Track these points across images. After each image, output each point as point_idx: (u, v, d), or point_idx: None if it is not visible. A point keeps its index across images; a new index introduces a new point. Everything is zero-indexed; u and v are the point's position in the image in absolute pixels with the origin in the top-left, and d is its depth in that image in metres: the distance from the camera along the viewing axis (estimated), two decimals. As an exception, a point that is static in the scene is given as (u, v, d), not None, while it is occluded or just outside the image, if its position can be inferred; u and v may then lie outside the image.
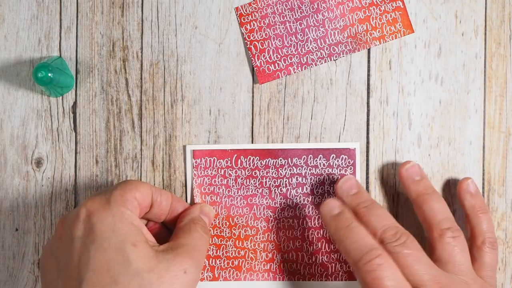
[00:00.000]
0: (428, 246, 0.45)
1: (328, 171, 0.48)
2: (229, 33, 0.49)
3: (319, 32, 0.49)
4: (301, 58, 0.49)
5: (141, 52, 0.49)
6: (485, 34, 0.49)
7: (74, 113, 0.49)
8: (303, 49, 0.49)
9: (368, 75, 0.49)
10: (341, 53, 0.49)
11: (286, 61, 0.49)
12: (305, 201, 0.48)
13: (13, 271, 0.49)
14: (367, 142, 0.49)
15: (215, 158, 0.48)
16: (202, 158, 0.49)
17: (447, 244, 0.44)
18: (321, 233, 0.48)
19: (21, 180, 0.49)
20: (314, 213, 0.48)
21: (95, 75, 0.49)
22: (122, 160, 0.49)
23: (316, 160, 0.48)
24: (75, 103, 0.49)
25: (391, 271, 0.41)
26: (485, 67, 0.49)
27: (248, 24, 0.49)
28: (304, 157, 0.48)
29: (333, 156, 0.48)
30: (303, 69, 0.49)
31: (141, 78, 0.49)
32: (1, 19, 0.49)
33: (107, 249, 0.39)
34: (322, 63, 0.49)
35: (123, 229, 0.40)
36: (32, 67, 0.49)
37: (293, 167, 0.49)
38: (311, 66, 0.49)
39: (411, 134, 0.49)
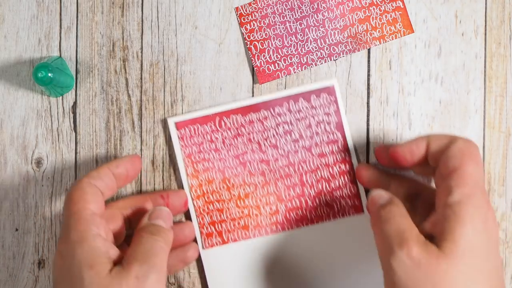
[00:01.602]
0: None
1: (312, 112, 0.48)
2: (229, 33, 0.49)
3: (319, 32, 0.49)
4: (301, 58, 0.49)
5: (141, 52, 0.49)
6: (485, 34, 0.49)
7: (74, 113, 0.49)
8: (303, 49, 0.49)
9: (368, 75, 0.49)
10: (341, 53, 0.49)
11: (286, 61, 0.49)
12: (296, 147, 0.49)
13: (13, 271, 0.49)
14: (367, 143, 0.49)
15: (198, 125, 0.48)
16: (186, 128, 0.48)
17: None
18: (319, 174, 0.48)
19: (21, 180, 0.49)
20: (308, 156, 0.48)
21: (95, 75, 0.49)
22: (122, 160, 0.49)
23: (298, 105, 0.48)
24: (75, 103, 0.49)
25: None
26: (485, 67, 0.49)
27: (248, 24, 0.49)
28: (286, 104, 0.48)
29: (314, 97, 0.48)
30: (303, 69, 0.49)
31: (141, 78, 0.49)
32: (1, 19, 0.49)
33: (65, 276, 0.40)
34: (322, 63, 0.49)
35: (81, 254, 0.40)
36: (32, 67, 0.49)
37: (277, 117, 0.49)
38: (311, 66, 0.49)
39: (411, 134, 0.49)
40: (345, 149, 0.48)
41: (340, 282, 0.48)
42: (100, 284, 0.40)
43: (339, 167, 0.48)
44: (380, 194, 0.43)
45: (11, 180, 0.49)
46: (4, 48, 0.49)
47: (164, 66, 0.49)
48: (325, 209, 0.48)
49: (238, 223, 0.48)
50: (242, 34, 0.49)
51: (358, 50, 0.49)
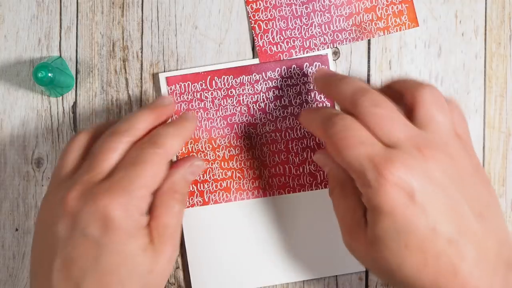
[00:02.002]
0: (406, 109, 0.42)
1: (303, 80, 0.49)
2: (229, 33, 0.49)
3: (324, 18, 0.49)
4: (304, 42, 0.49)
5: (141, 52, 0.49)
6: (485, 34, 0.49)
7: (74, 113, 0.49)
8: (307, 33, 0.49)
9: (368, 75, 0.49)
10: (344, 40, 0.49)
11: (289, 43, 0.49)
12: (285, 113, 0.49)
13: (13, 271, 0.49)
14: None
15: (189, 82, 0.48)
16: (176, 84, 0.48)
17: (423, 103, 0.40)
18: (305, 143, 0.48)
19: (21, 180, 0.49)
20: (295, 124, 0.48)
21: (95, 75, 0.49)
22: (122, 160, 0.49)
23: (290, 71, 0.49)
24: (75, 103, 0.49)
25: (358, 131, 0.39)
26: (485, 67, 0.49)
27: (254, 4, 0.49)
28: (278, 70, 0.48)
29: (307, 65, 0.48)
30: (305, 53, 0.49)
31: (141, 78, 0.49)
32: (1, 19, 0.49)
33: (120, 253, 0.39)
34: (324, 49, 0.49)
35: (137, 235, 0.39)
36: (32, 67, 0.49)
37: (268, 81, 0.49)
38: (313, 51, 0.49)
39: (411, 134, 0.49)
40: None
41: (317, 251, 0.48)
42: (149, 264, 0.39)
43: None
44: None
45: (11, 180, 0.49)
46: (4, 48, 0.49)
47: (164, 66, 0.49)
48: (308, 178, 0.48)
49: (221, 185, 0.48)
50: (247, 12, 0.49)
51: (362, 39, 0.49)
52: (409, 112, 0.41)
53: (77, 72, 0.49)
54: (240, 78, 0.48)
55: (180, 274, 0.49)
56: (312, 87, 0.49)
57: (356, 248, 0.40)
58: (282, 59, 0.49)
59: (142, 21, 0.49)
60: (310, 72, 0.48)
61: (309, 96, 0.49)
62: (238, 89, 0.48)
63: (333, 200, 0.43)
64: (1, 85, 0.49)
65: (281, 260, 0.48)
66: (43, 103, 0.49)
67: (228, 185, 0.48)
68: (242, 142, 0.49)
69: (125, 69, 0.49)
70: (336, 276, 0.49)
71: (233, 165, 0.48)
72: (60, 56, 0.49)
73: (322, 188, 0.48)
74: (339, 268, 0.48)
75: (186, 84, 0.48)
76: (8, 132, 0.49)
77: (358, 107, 0.40)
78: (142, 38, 0.49)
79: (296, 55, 0.48)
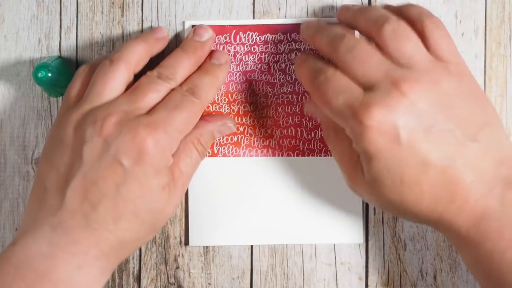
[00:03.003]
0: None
1: None
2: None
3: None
4: None
5: (141, 52, 0.49)
6: (485, 34, 0.49)
7: (74, 113, 0.49)
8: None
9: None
10: None
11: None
12: None
13: (13, 271, 0.49)
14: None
15: (214, 34, 0.48)
16: None
17: (390, 39, 0.41)
18: None
19: (21, 180, 0.49)
20: None
21: (95, 75, 0.49)
22: (122, 160, 0.49)
23: None
24: (75, 103, 0.49)
25: (338, 81, 0.40)
26: (485, 67, 0.49)
27: None
28: None
29: None
30: None
31: (141, 78, 0.49)
32: (1, 19, 0.49)
33: (143, 185, 0.40)
34: None
35: (162, 173, 0.41)
36: (32, 67, 0.49)
37: (292, 42, 0.48)
38: None
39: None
40: None
41: (317, 217, 0.48)
42: (163, 204, 0.42)
43: None
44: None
45: (11, 180, 0.49)
46: (4, 48, 0.49)
47: (164, 66, 0.49)
48: (319, 144, 0.49)
49: (231, 139, 0.49)
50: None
51: None
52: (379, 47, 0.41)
53: (77, 72, 0.49)
54: (265, 36, 0.48)
55: (180, 274, 0.49)
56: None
57: (358, 189, 0.42)
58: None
59: (142, 21, 0.49)
60: None
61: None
62: (261, 47, 0.48)
63: (329, 146, 0.45)
64: (1, 85, 0.49)
65: (281, 221, 0.48)
66: (43, 103, 0.49)
67: (239, 140, 0.48)
68: (258, 100, 0.49)
69: (125, 69, 0.49)
70: (336, 276, 0.49)
71: (246, 121, 0.49)
72: (60, 56, 0.49)
73: (330, 155, 0.48)
74: (339, 236, 0.48)
75: None
76: (8, 132, 0.49)
77: (336, 54, 0.41)
78: (142, 38, 0.49)
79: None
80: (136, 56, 0.44)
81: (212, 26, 0.48)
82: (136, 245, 0.42)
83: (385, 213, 0.49)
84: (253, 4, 0.49)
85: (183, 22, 0.49)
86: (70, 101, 0.44)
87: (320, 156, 0.49)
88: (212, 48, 0.47)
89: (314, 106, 0.45)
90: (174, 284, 0.49)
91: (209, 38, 0.46)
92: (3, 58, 0.49)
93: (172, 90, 0.43)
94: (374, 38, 0.42)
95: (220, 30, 0.48)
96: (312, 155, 0.49)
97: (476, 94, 0.41)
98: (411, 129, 0.39)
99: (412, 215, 0.41)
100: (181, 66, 0.44)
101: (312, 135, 0.49)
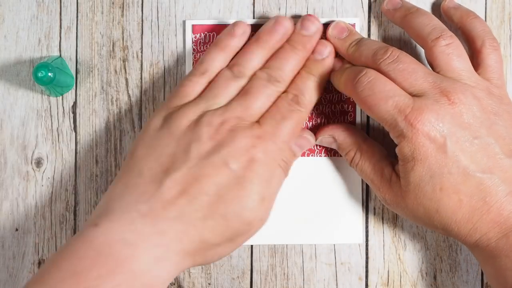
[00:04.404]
0: (428, 63, 0.45)
1: None
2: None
3: None
4: None
5: (141, 52, 0.49)
6: (485, 34, 0.49)
7: (74, 113, 0.49)
8: None
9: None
10: None
11: None
12: None
13: (13, 271, 0.49)
14: (367, 142, 0.49)
15: (215, 33, 0.48)
16: (202, 33, 0.48)
17: (442, 53, 0.43)
18: (320, 109, 0.48)
19: (21, 180, 0.49)
20: None
21: (95, 75, 0.49)
22: (122, 160, 0.49)
23: None
24: (75, 103, 0.49)
25: (384, 85, 0.41)
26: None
27: None
28: None
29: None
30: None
31: (141, 78, 0.49)
32: (1, 19, 0.49)
33: (245, 190, 0.41)
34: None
35: (264, 184, 0.41)
36: (32, 67, 0.49)
37: None
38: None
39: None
40: None
41: (318, 218, 0.48)
42: (256, 213, 0.42)
43: (341, 106, 0.48)
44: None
45: (11, 180, 0.49)
46: (4, 48, 0.49)
47: (164, 66, 0.49)
48: (319, 145, 0.49)
49: None
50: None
51: None
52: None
53: (77, 72, 0.49)
54: None
55: (180, 274, 0.49)
56: (336, 54, 0.48)
57: (392, 201, 0.43)
58: None
59: (142, 21, 0.49)
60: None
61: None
62: None
63: (355, 168, 0.45)
64: (1, 85, 0.49)
65: (281, 221, 0.48)
66: (43, 103, 0.49)
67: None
68: None
69: (125, 69, 0.49)
70: (336, 276, 0.49)
71: None
72: (60, 56, 0.49)
73: (331, 155, 0.48)
74: (339, 237, 0.48)
75: (212, 35, 0.48)
76: (8, 132, 0.49)
77: (381, 66, 0.42)
78: (142, 38, 0.49)
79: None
80: (254, 63, 0.45)
81: (212, 26, 0.48)
82: (213, 253, 0.42)
83: (385, 213, 0.49)
84: (253, 4, 0.49)
85: (184, 22, 0.49)
86: (185, 95, 0.44)
87: (320, 156, 0.49)
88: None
89: (325, 136, 0.47)
90: (174, 284, 0.49)
91: (317, 31, 0.46)
92: (3, 58, 0.49)
93: (279, 97, 0.44)
94: (425, 47, 0.44)
95: (220, 29, 0.48)
96: (312, 156, 0.49)
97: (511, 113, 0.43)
98: (458, 138, 0.40)
99: (444, 226, 0.42)
100: (289, 65, 0.44)
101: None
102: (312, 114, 0.48)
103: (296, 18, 0.48)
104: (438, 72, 0.43)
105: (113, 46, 0.49)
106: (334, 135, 0.46)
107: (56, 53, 0.49)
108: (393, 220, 0.49)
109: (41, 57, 0.49)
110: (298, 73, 0.45)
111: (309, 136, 0.47)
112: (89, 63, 0.49)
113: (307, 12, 0.49)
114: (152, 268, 0.38)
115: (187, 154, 0.41)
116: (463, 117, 0.41)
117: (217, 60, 0.45)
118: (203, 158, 0.41)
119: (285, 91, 0.44)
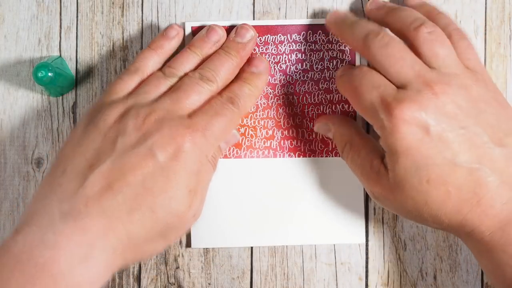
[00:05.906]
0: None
1: (327, 47, 0.48)
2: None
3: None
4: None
5: (141, 52, 0.49)
6: (485, 34, 0.49)
7: (74, 113, 0.49)
8: None
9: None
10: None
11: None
12: (305, 77, 0.49)
13: (13, 271, 0.49)
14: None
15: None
16: None
17: (425, 39, 0.42)
18: (321, 109, 0.49)
19: (21, 180, 0.49)
20: (314, 89, 0.48)
21: (95, 75, 0.49)
22: (122, 160, 0.49)
23: (315, 36, 0.48)
24: (75, 103, 0.49)
25: (371, 77, 0.41)
26: (485, 67, 0.49)
27: None
28: (304, 33, 0.48)
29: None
30: None
31: (141, 78, 0.49)
32: (1, 19, 0.49)
33: (172, 182, 0.40)
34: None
35: (192, 176, 0.41)
36: (32, 67, 0.49)
37: (293, 44, 0.49)
38: None
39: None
40: None
41: (318, 218, 0.48)
42: (185, 207, 0.41)
43: (342, 106, 0.48)
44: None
45: (11, 180, 0.49)
46: (4, 48, 0.49)
47: (164, 66, 0.49)
48: (320, 145, 0.49)
49: None
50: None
51: None
52: (413, 48, 0.42)
53: (77, 72, 0.49)
54: (265, 37, 0.48)
55: (180, 274, 0.49)
56: (335, 55, 0.48)
57: (380, 195, 0.42)
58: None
59: (142, 21, 0.49)
60: (335, 40, 0.48)
61: (331, 64, 0.48)
62: (261, 48, 0.48)
63: (346, 159, 0.45)
64: (1, 85, 0.49)
65: (281, 221, 0.48)
66: (43, 103, 0.49)
67: (240, 142, 0.49)
68: (259, 101, 0.49)
69: (125, 69, 0.49)
70: (336, 276, 0.49)
71: (247, 123, 0.49)
72: (60, 56, 0.49)
73: (332, 156, 0.49)
74: (339, 237, 0.48)
75: None
76: (8, 132, 0.49)
77: (369, 50, 0.42)
78: (142, 38, 0.49)
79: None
80: (187, 67, 0.45)
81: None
82: (144, 250, 0.41)
83: (385, 214, 0.49)
84: (253, 4, 0.49)
85: (184, 24, 0.49)
86: (114, 93, 0.44)
87: (321, 156, 0.49)
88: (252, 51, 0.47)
89: (323, 123, 0.47)
90: (174, 284, 0.49)
91: (251, 39, 0.46)
92: (3, 58, 0.49)
93: (213, 97, 0.43)
94: (408, 38, 0.43)
95: None
96: (313, 156, 0.49)
97: (501, 102, 0.42)
98: (442, 128, 0.39)
99: (434, 218, 0.41)
100: (223, 68, 0.44)
101: (313, 136, 0.49)
102: (312, 114, 0.48)
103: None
104: (423, 61, 0.42)
105: (113, 46, 0.49)
106: (330, 123, 0.46)
107: (56, 53, 0.49)
108: (393, 220, 0.49)
109: (41, 57, 0.49)
110: (234, 81, 0.45)
111: (235, 131, 0.47)
112: (89, 63, 0.49)
113: (307, 12, 0.49)
114: (76, 269, 0.37)
115: (113, 147, 0.40)
116: (446, 107, 0.40)
117: (149, 59, 0.45)
118: (128, 150, 0.40)
119: (219, 94, 0.44)
